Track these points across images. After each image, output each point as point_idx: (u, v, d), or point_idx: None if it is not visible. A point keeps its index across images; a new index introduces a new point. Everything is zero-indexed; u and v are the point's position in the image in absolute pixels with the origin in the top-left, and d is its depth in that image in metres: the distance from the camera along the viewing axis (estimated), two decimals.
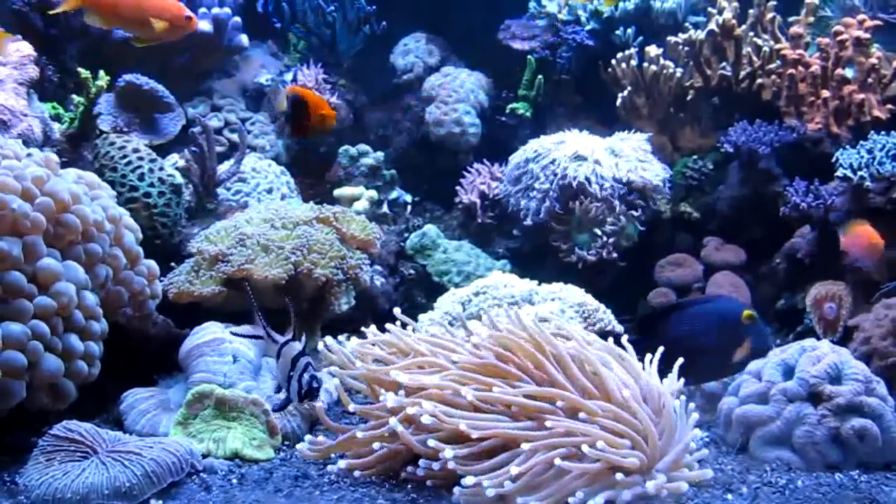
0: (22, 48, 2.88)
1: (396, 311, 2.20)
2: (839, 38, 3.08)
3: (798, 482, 1.96)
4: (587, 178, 3.18)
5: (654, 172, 3.29)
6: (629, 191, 3.22)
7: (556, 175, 3.23)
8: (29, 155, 2.20)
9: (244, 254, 2.56)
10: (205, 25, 3.63)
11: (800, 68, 3.17)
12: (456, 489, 1.77)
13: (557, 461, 1.73)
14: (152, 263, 2.46)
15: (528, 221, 3.32)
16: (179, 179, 3.01)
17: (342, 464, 1.95)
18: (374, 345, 2.14)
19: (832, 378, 2.11)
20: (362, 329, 2.23)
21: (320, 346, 2.21)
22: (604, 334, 2.40)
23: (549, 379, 1.94)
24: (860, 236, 2.61)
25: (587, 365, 1.96)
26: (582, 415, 1.82)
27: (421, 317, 2.64)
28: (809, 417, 2.07)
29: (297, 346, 1.92)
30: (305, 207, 2.83)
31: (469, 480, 1.74)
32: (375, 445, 1.94)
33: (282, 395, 2.01)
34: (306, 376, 1.86)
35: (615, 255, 3.19)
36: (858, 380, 2.09)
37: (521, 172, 3.37)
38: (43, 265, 2.05)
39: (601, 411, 1.85)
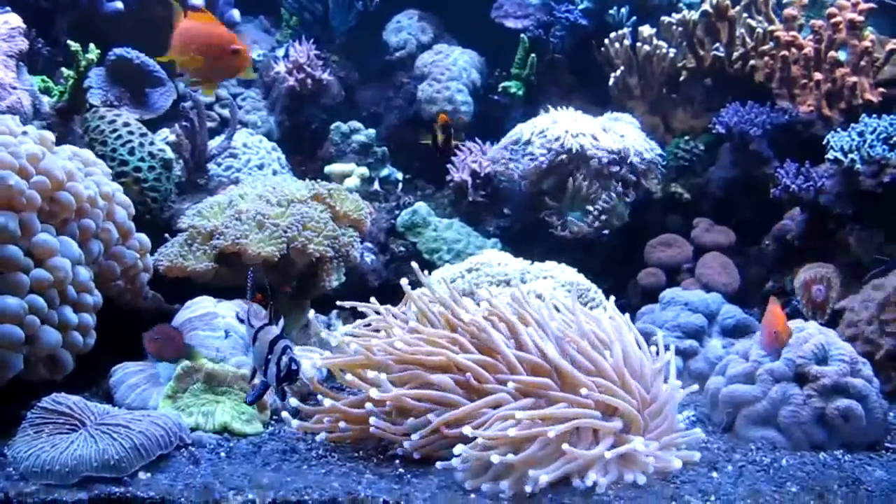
0: (11, 20, 2.85)
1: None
2: (833, 20, 3.08)
3: (783, 461, 1.98)
4: (582, 147, 3.18)
5: (648, 147, 3.30)
6: (621, 164, 3.22)
7: (549, 146, 3.23)
8: (24, 133, 2.20)
9: (239, 228, 2.55)
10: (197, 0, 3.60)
11: (793, 50, 3.17)
12: (459, 447, 1.77)
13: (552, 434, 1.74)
14: (144, 237, 2.46)
15: (515, 175, 3.32)
16: (170, 154, 3.00)
17: (327, 403, 1.98)
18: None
19: (818, 359, 2.12)
20: (345, 305, 2.23)
21: (311, 314, 2.20)
22: None
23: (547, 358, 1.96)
24: (769, 319, 2.17)
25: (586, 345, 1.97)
26: (583, 390, 1.84)
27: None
28: (795, 398, 2.08)
29: (275, 329, 1.84)
30: (300, 185, 2.81)
31: (475, 441, 1.75)
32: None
33: (257, 383, 1.91)
34: (285, 359, 1.78)
35: (605, 231, 3.20)
36: (844, 361, 2.11)
37: (511, 150, 3.37)
38: (39, 240, 2.06)
39: (596, 389, 1.87)
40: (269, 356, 1.79)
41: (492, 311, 2.03)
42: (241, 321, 1.97)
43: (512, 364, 1.93)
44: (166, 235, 2.69)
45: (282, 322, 1.90)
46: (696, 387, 2.05)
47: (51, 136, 2.29)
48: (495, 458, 1.72)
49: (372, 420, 1.89)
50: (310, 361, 2.21)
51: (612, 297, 2.19)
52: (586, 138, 3.21)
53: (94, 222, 2.23)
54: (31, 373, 2.06)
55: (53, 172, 2.12)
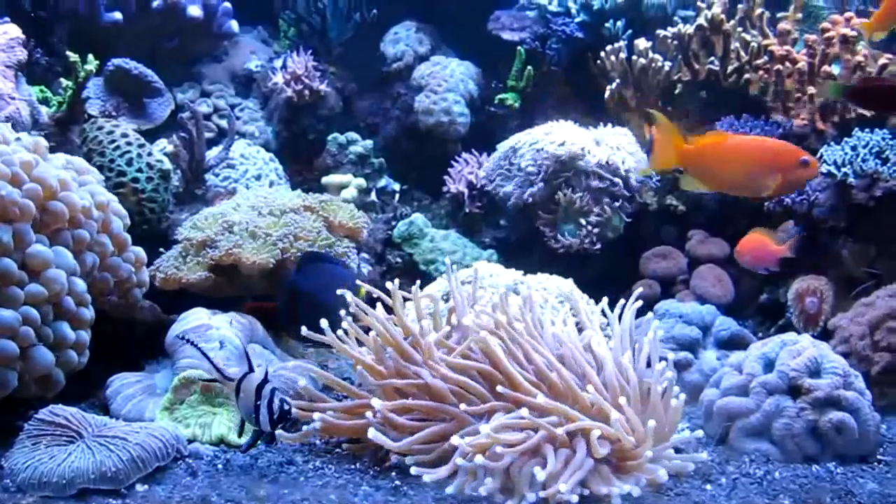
0: (10, 31, 2.87)
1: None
2: (826, 34, 3.10)
3: (776, 474, 1.99)
4: (575, 160, 3.20)
5: (643, 159, 3.32)
6: (615, 177, 3.24)
7: (543, 159, 3.24)
8: (17, 139, 2.20)
9: (232, 239, 2.57)
10: (195, 10, 3.62)
11: (787, 64, 3.19)
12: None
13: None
14: (140, 250, 2.46)
15: (511, 202, 3.34)
16: (168, 165, 3.01)
17: (317, 416, 1.99)
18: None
19: (811, 372, 2.14)
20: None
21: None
22: None
23: (538, 372, 1.97)
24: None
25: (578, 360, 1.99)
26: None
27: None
28: (788, 410, 2.10)
29: (257, 376, 1.88)
30: (293, 195, 2.83)
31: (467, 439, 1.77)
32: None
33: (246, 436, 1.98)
34: (276, 401, 1.83)
35: (598, 245, 3.22)
36: (837, 374, 2.12)
37: (509, 159, 3.39)
38: (33, 252, 2.04)
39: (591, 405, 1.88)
40: (258, 402, 1.82)
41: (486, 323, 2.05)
42: (215, 381, 2.00)
43: (511, 377, 1.95)
44: (161, 250, 2.70)
45: (264, 367, 1.92)
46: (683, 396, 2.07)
47: (44, 142, 2.28)
48: (488, 483, 1.73)
49: (371, 433, 1.92)
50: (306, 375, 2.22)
51: (637, 293, 2.21)
52: (579, 150, 3.22)
53: (89, 233, 2.21)
54: (22, 391, 2.05)
55: (47, 181, 2.10)
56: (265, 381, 1.86)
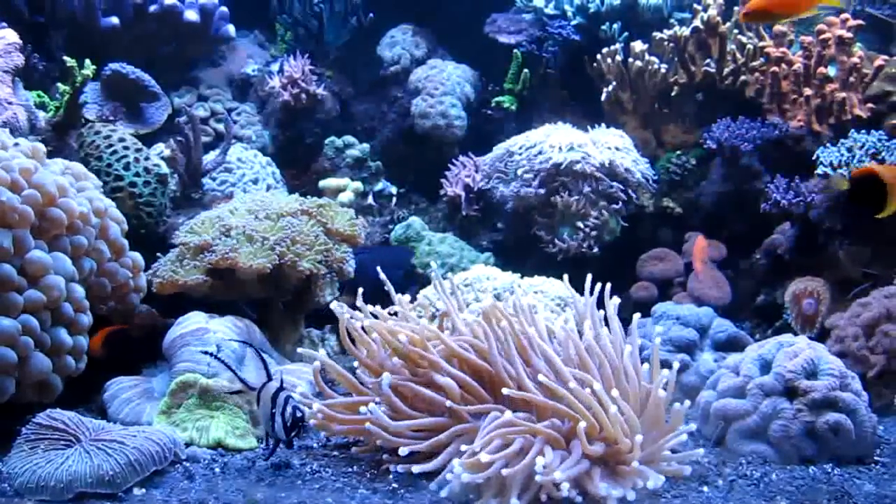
0: (7, 36, 2.87)
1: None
2: (822, 36, 3.11)
3: (773, 475, 1.99)
4: (573, 164, 3.20)
5: (638, 162, 3.33)
6: (613, 179, 3.24)
7: (541, 162, 3.25)
8: (16, 144, 2.21)
9: (228, 243, 2.56)
10: (191, 15, 3.63)
11: (783, 66, 3.20)
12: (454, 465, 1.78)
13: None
14: (137, 256, 2.46)
15: (510, 205, 3.34)
16: (165, 169, 3.01)
17: (316, 407, 2.01)
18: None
19: (808, 373, 2.14)
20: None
21: (332, 312, 2.20)
22: None
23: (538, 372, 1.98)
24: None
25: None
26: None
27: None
28: (785, 412, 2.10)
29: (274, 384, 1.92)
30: (290, 199, 2.82)
31: (485, 458, 1.76)
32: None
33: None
34: (289, 409, 1.86)
35: (596, 248, 3.22)
36: (834, 375, 2.12)
37: (505, 161, 3.40)
38: (32, 258, 2.05)
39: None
40: (274, 410, 1.86)
41: (486, 324, 2.05)
42: (241, 391, 2.08)
43: (504, 379, 1.95)
44: (158, 255, 2.70)
45: (280, 374, 1.95)
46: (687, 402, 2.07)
47: (42, 147, 2.29)
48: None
49: (368, 425, 1.92)
50: (305, 379, 2.23)
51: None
52: (577, 154, 3.23)
53: (87, 239, 2.23)
54: (20, 396, 2.06)
55: (46, 187, 2.12)
56: (280, 388, 1.90)
